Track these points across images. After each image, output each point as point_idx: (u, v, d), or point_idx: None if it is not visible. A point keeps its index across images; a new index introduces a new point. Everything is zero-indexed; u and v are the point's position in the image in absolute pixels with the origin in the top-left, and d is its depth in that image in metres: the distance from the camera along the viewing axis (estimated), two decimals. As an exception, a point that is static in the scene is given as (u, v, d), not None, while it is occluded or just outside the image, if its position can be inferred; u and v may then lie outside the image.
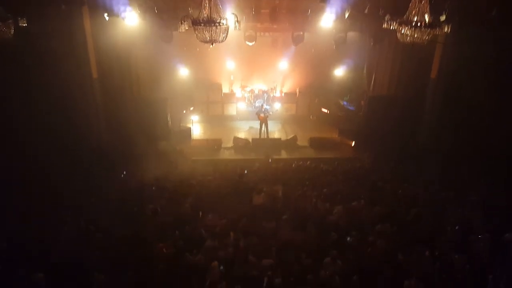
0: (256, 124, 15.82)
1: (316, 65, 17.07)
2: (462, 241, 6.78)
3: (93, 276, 5.47)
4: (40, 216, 7.25)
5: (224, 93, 18.01)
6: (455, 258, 6.32)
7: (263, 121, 15.19)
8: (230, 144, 14.67)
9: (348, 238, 6.93)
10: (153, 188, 9.46)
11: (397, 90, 14.15)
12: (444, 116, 12.44)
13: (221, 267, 6.05)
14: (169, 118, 14.12)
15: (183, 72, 16.12)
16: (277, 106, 17.52)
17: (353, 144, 14.40)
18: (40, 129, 9.42)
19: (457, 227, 7.30)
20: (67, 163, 9.30)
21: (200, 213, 7.93)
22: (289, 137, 15.09)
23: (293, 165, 11.98)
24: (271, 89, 18.07)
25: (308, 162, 12.23)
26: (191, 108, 16.54)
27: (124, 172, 10.64)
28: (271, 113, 15.64)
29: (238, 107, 17.99)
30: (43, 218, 7.16)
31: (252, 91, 17.92)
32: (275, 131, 16.40)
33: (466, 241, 6.77)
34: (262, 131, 15.29)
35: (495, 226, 7.21)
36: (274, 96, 18.03)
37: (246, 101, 18.03)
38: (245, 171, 10.84)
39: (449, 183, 9.69)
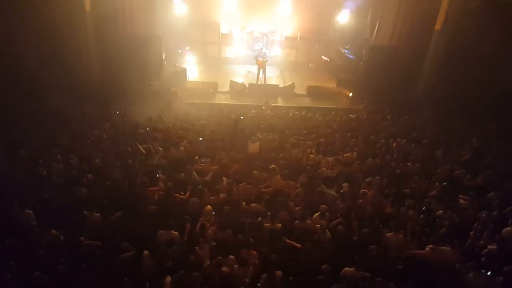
0: (254, 69, 15.40)
1: (319, 9, 16.37)
2: (448, 197, 6.87)
3: (86, 215, 5.48)
4: (32, 153, 7.16)
5: (222, 34, 17.35)
6: (439, 214, 6.45)
7: (261, 66, 14.79)
8: (227, 88, 14.37)
9: (342, 190, 6.99)
10: (147, 129, 9.31)
11: (400, 40, 13.77)
12: (444, 69, 12.26)
13: (213, 212, 6.12)
14: (163, 57, 13.64)
15: (180, 8, 15.31)
16: (277, 51, 17.01)
17: (350, 95, 14.21)
18: (28, 65, 9.01)
19: (444, 184, 7.39)
20: (58, 101, 9.06)
21: (197, 157, 7.88)
22: (287, 84, 14.81)
23: (290, 114, 11.83)
24: (271, 32, 17.39)
25: (304, 112, 12.08)
26: (187, 48, 15.98)
27: (117, 112, 10.41)
28: (270, 58, 15.16)
29: (236, 49, 17.44)
30: (35, 155, 7.06)
31: (251, 33, 17.26)
32: (273, 77, 16.06)
33: (452, 197, 6.88)
34: (259, 76, 14.95)
35: (481, 184, 7.34)
36: (274, 40, 17.43)
37: (245, 43, 17.43)
38: (241, 117, 10.72)
39: (443, 139, 9.72)
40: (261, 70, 14.84)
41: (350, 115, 12.14)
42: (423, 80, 13.07)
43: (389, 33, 14.02)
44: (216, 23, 17.16)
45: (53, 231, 5.10)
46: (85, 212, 5.52)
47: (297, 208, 6.44)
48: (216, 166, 7.52)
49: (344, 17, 16.25)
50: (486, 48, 10.96)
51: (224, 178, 7.06)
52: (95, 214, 5.58)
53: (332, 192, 6.94)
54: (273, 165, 7.37)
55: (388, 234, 5.72)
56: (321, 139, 9.25)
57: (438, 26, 12.37)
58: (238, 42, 17.44)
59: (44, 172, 6.43)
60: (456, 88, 11.60)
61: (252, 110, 12.00)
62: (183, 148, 8.13)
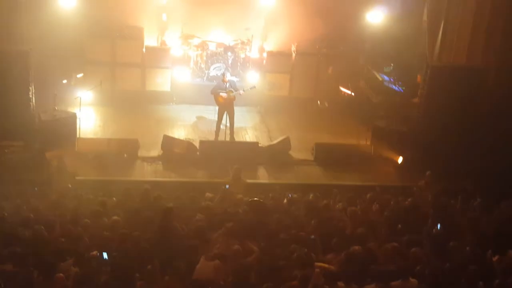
0: (210, 112, 15.62)
1: (329, 3, 17.17)
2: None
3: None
4: None
5: (147, 48, 17.72)
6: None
7: (225, 106, 14.90)
8: (157, 150, 14.40)
9: None
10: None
11: (487, 56, 14.22)
12: None
13: None
14: (31, 94, 13.65)
15: (66, 2, 15.55)
16: (254, 77, 17.17)
17: (400, 159, 14.31)
18: None
19: None
20: None
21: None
22: (274, 142, 14.95)
23: (285, 201, 11.63)
24: (242, 43, 17.80)
25: (311, 195, 11.90)
26: (79, 75, 16.14)
27: None
28: (241, 91, 15.25)
29: (176, 76, 17.69)
30: None
31: (203, 45, 17.62)
32: (248, 126, 16.32)
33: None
34: (221, 125, 15.06)
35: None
36: (247, 58, 17.73)
37: (192, 65, 17.71)
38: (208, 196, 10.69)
39: None
40: (226, 114, 14.95)
41: (402, 199, 12.01)
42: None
43: (466, 44, 14.48)
44: (136, 29, 17.57)
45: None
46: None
47: None
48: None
49: (379, 17, 16.80)
50: None
51: None
52: None
53: None
54: None
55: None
56: (342, 254, 8.96)
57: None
58: (178, 62, 17.72)
59: None
60: None
61: (208, 194, 11.78)
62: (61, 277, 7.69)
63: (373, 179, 13.90)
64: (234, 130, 15.22)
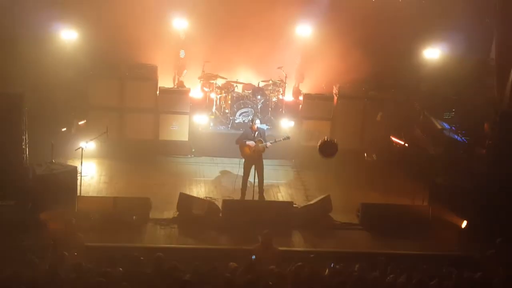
0: (235, 166, 15.68)
1: (378, 39, 17.42)
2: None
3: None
4: None
5: (162, 90, 17.85)
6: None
7: (253, 158, 14.86)
8: (172, 210, 14.32)
9: None
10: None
11: None
12: None
13: None
14: (24, 144, 13.76)
15: (68, 36, 15.86)
16: (288, 125, 17.17)
17: (463, 224, 14.05)
18: None
19: None
20: None
21: None
22: (313, 201, 14.81)
23: (326, 272, 11.37)
24: (274, 84, 17.93)
25: (357, 266, 11.67)
26: (81, 122, 16.34)
27: None
28: (268, 143, 15.15)
29: (195, 123, 17.76)
30: None
31: (228, 86, 17.75)
32: (281, 183, 16.30)
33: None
34: (248, 183, 15.01)
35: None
36: (280, 102, 17.80)
37: (215, 110, 17.84)
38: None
39: None
40: (254, 168, 14.90)
41: (466, 274, 11.74)
42: None
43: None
44: (148, 68, 17.74)
45: None
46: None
47: None
48: None
49: (435, 54, 16.81)
50: None
51: None
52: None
53: None
54: None
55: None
56: None
57: None
58: (198, 107, 17.91)
59: None
60: None
61: (232, 263, 11.57)
62: None
63: (431, 247, 13.72)
64: (264, 187, 15.13)
